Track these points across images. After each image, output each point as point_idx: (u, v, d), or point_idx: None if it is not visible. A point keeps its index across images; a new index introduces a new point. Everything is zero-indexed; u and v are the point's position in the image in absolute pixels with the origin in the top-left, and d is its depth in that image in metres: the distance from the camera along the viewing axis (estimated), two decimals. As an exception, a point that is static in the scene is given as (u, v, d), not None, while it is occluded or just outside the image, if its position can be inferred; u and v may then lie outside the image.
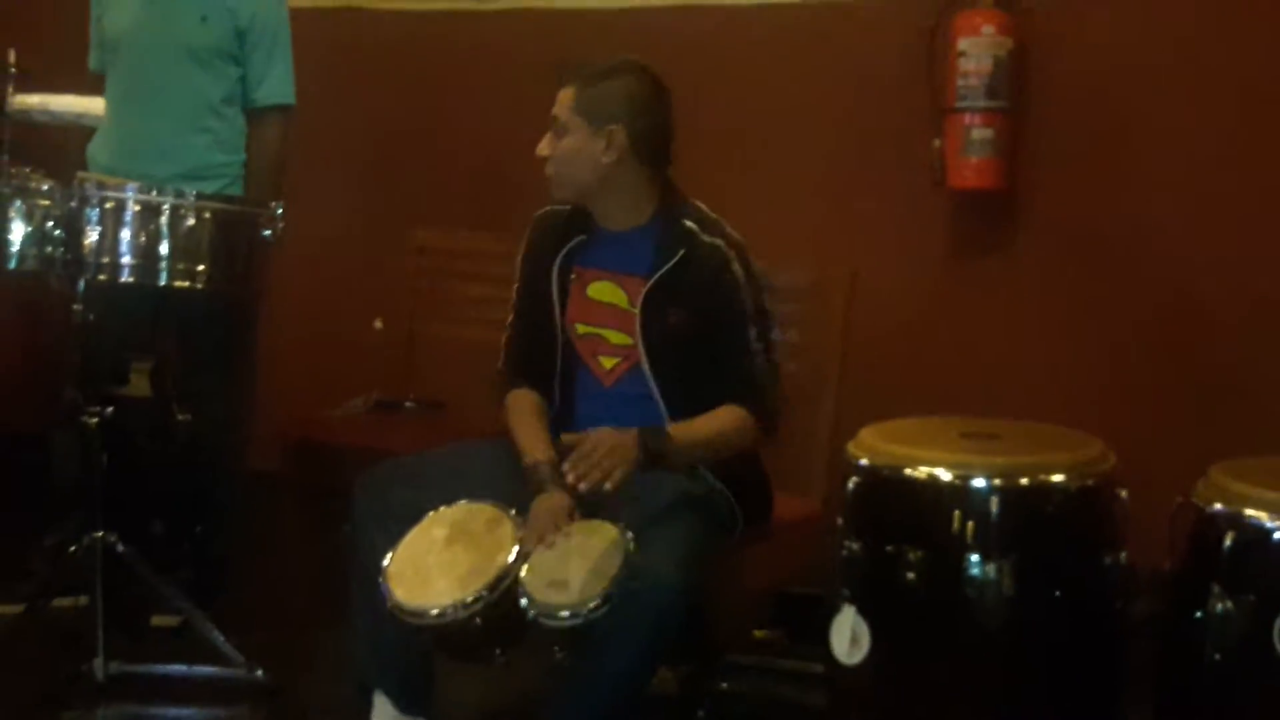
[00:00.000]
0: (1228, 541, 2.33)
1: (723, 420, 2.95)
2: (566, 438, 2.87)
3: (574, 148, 2.98)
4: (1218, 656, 2.31)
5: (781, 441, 3.08)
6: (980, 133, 3.89)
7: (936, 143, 3.95)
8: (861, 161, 4.15)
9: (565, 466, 2.79)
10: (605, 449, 2.78)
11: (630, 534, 2.83)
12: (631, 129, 2.98)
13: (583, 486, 2.76)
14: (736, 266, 2.97)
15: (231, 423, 3.91)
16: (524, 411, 3.09)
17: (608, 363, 3.08)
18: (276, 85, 3.81)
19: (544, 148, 3.02)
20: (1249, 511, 2.32)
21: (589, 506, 2.89)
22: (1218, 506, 2.37)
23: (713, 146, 3.93)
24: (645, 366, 3.02)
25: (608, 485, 2.75)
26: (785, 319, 3.13)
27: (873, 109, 4.14)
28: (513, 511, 2.93)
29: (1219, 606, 2.30)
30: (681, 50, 4.06)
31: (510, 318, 3.21)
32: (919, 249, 4.12)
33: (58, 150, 3.75)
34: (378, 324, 4.39)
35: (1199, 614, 2.34)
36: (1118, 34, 3.89)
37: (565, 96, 2.99)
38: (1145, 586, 2.57)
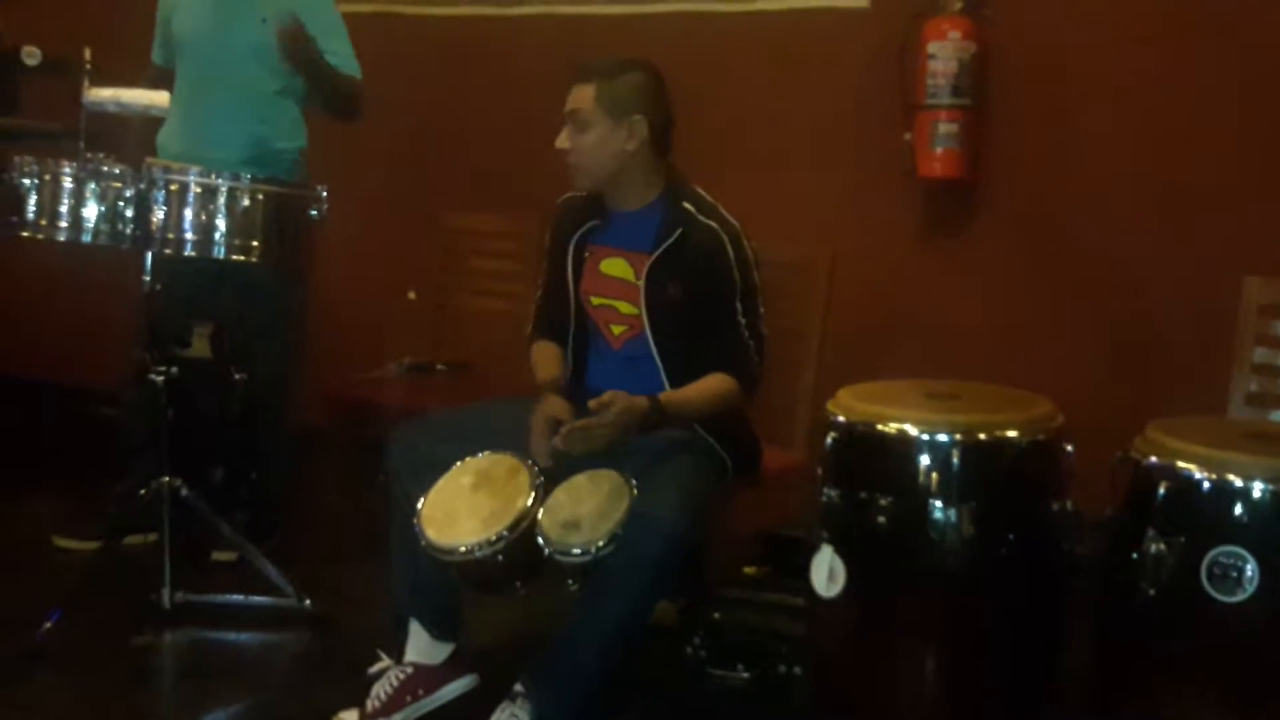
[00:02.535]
0: (1161, 490, 2.33)
1: (711, 388, 2.96)
2: (594, 404, 2.87)
3: (598, 140, 2.96)
4: (1152, 592, 2.30)
5: (765, 399, 3.09)
6: (946, 127, 3.87)
7: (908, 136, 3.93)
8: (842, 152, 4.14)
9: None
10: (618, 411, 2.80)
11: (634, 481, 2.85)
12: (649, 119, 2.97)
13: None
14: (729, 248, 2.96)
15: (281, 382, 3.92)
16: (544, 352, 3.17)
17: (617, 329, 3.09)
18: (344, 61, 3.82)
19: (564, 141, 2.99)
20: (1180, 464, 2.32)
21: (600, 458, 2.91)
22: (1153, 459, 2.37)
23: (713, 138, 3.92)
24: (648, 333, 3.02)
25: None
26: (773, 292, 3.12)
27: (852, 106, 4.12)
28: (530, 461, 2.95)
29: (1153, 548, 2.30)
30: (685, 52, 4.04)
31: (539, 291, 3.23)
32: (892, 231, 4.10)
33: (128, 137, 3.73)
34: (411, 296, 4.37)
35: (1135, 555, 2.34)
36: (1068, 41, 3.88)
37: (585, 93, 2.95)
38: (1088, 530, 2.57)
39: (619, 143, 2.96)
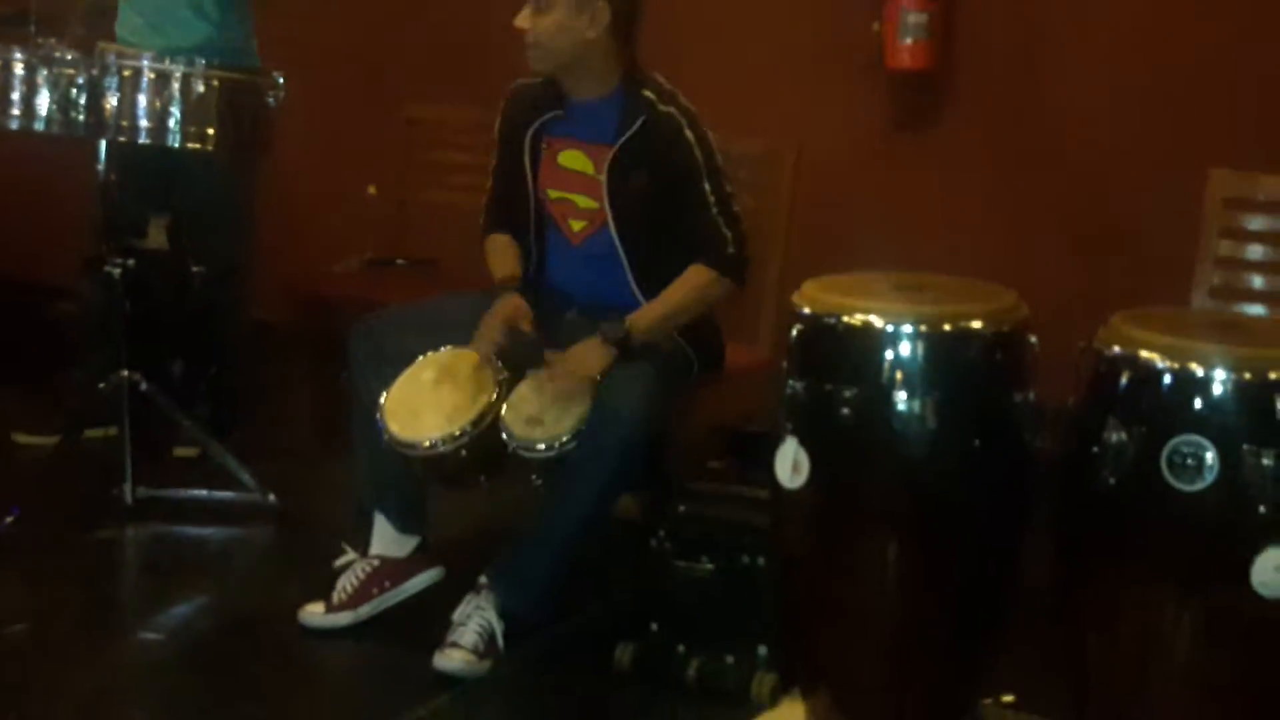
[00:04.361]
0: (1124, 380, 2.34)
1: (684, 286, 2.95)
2: (550, 356, 2.89)
3: (558, 23, 2.90)
4: (1112, 481, 2.31)
5: (730, 295, 3.08)
6: (915, 17, 3.84)
7: (876, 26, 3.90)
8: (809, 43, 4.10)
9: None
10: (569, 375, 2.83)
11: (598, 377, 2.85)
12: (612, 5, 2.91)
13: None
14: (688, 131, 2.93)
15: (235, 273, 3.88)
16: (499, 246, 3.13)
17: (576, 225, 3.07)
18: None
19: (523, 20, 2.93)
20: (1143, 354, 2.32)
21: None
22: (1116, 350, 2.37)
23: (677, 29, 3.87)
24: (611, 228, 3.00)
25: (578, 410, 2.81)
26: (739, 185, 3.10)
27: (819, -5, 4.09)
28: (493, 355, 2.94)
29: (1114, 437, 2.30)
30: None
31: (490, 182, 3.19)
32: (859, 123, 4.09)
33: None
34: (371, 190, 4.34)
35: (1096, 445, 2.35)
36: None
37: None
38: (1051, 421, 2.58)
39: (580, 28, 2.91)
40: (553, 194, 3.06)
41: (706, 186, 2.93)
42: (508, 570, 2.86)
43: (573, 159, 3.03)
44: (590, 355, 2.84)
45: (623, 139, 2.94)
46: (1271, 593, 2.18)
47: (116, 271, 3.33)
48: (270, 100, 3.26)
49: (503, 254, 3.11)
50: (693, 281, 2.95)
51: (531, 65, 3.00)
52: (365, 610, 2.97)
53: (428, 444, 2.84)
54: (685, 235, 2.95)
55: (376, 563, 3.01)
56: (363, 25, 4.69)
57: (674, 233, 2.96)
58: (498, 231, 3.16)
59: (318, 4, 4.56)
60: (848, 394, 2.48)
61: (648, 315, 2.92)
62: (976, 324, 2.51)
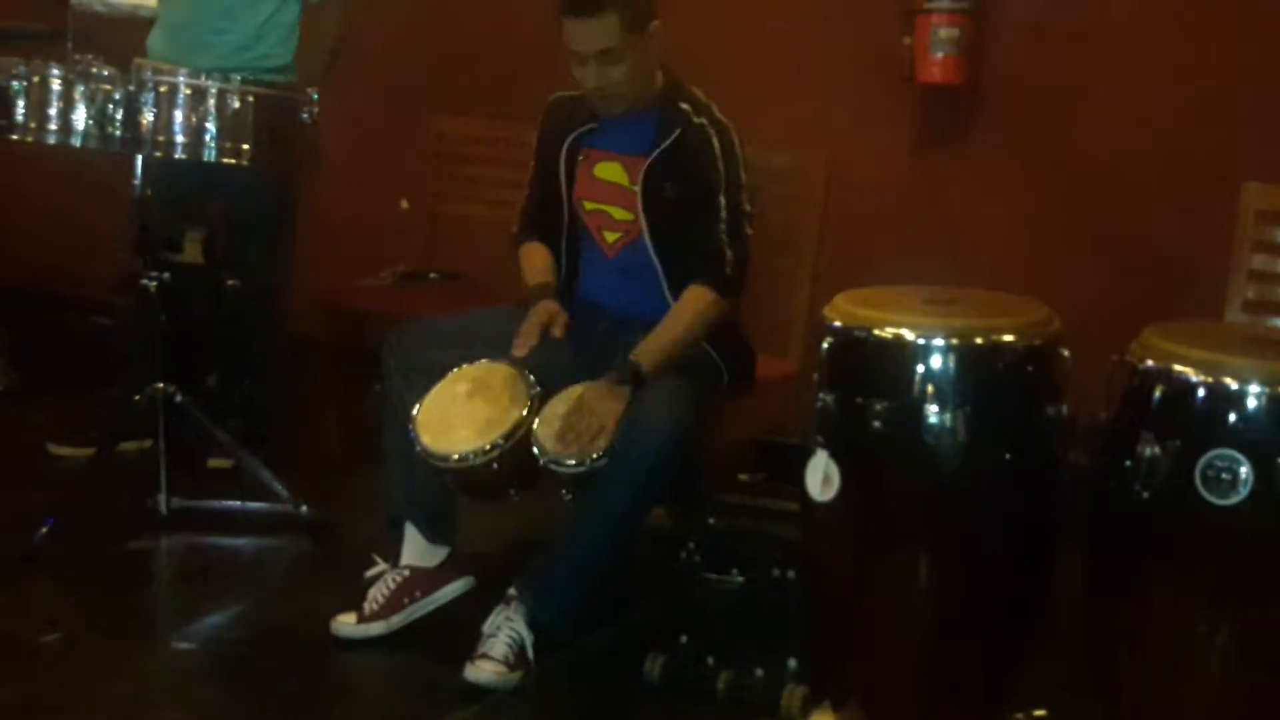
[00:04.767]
0: (1157, 394, 2.33)
1: (686, 312, 2.92)
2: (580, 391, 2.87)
3: (633, 65, 2.89)
4: (1146, 495, 2.31)
5: (761, 307, 3.08)
6: (946, 32, 3.83)
7: (907, 41, 3.90)
8: (841, 57, 4.10)
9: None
10: (589, 419, 2.80)
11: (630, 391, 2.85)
12: (658, 16, 2.92)
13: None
14: (715, 143, 2.93)
15: (273, 287, 3.90)
16: (534, 254, 3.13)
17: (611, 236, 3.07)
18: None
19: (594, 79, 2.90)
20: (1177, 367, 2.31)
21: (593, 368, 2.91)
22: (1149, 363, 2.36)
23: (710, 43, 3.89)
24: (647, 239, 3.00)
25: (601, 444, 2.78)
26: (769, 198, 3.11)
27: (851, 9, 4.08)
28: (526, 370, 2.95)
29: (1148, 451, 2.29)
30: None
31: (527, 190, 3.19)
32: (890, 136, 4.09)
33: (116, 39, 3.68)
34: (403, 204, 4.35)
35: (1129, 459, 2.34)
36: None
37: (608, 27, 2.83)
38: (1083, 435, 2.57)
39: (652, 56, 2.92)
40: (588, 205, 3.07)
41: (722, 200, 2.92)
42: (537, 582, 2.86)
43: (608, 170, 3.03)
44: (608, 400, 2.83)
45: (657, 151, 2.94)
46: (1306, 608, 2.17)
47: (152, 285, 3.36)
48: (305, 116, 3.27)
49: (538, 261, 3.12)
50: (693, 307, 2.92)
51: (604, 114, 2.98)
52: (397, 620, 2.98)
53: (459, 456, 2.85)
54: (689, 248, 2.94)
55: (407, 573, 3.01)
56: (392, 41, 4.71)
57: (685, 241, 2.95)
58: (534, 240, 3.16)
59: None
60: (879, 407, 2.48)
61: (654, 346, 2.89)
62: (1008, 337, 2.51)
